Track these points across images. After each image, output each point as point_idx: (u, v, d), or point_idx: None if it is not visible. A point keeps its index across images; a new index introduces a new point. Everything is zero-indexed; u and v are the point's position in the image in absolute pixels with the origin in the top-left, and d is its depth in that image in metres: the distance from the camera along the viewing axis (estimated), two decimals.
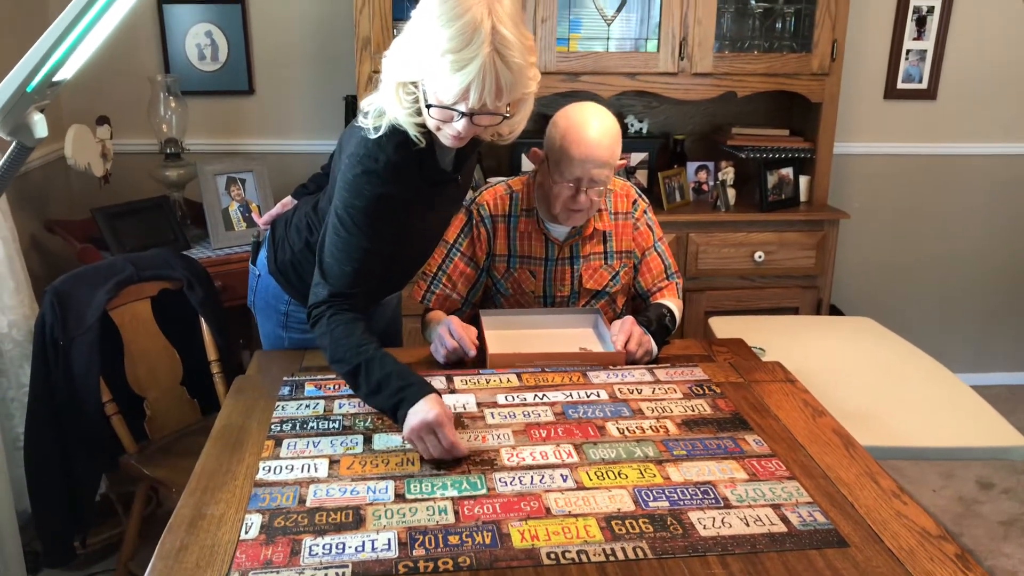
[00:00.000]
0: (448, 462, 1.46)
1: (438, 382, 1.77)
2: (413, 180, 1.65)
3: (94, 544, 2.56)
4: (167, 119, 2.97)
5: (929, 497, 3.01)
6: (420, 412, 1.46)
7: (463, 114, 1.51)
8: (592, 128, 1.92)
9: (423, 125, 1.58)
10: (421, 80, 1.52)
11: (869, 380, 2.24)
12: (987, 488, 3.08)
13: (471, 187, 3.01)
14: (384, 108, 1.59)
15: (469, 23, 1.43)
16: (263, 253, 1.97)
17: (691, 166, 3.33)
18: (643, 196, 2.16)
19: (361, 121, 1.63)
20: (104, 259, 2.52)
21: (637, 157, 3.29)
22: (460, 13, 1.44)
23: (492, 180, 2.22)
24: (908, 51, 3.49)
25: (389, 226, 1.65)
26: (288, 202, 2.02)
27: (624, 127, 3.38)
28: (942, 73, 3.52)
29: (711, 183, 3.33)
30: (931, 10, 3.43)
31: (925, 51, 3.49)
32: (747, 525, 1.29)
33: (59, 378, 2.16)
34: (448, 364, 1.86)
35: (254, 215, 2.17)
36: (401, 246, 1.76)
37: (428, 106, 1.52)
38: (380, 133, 1.59)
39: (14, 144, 1.25)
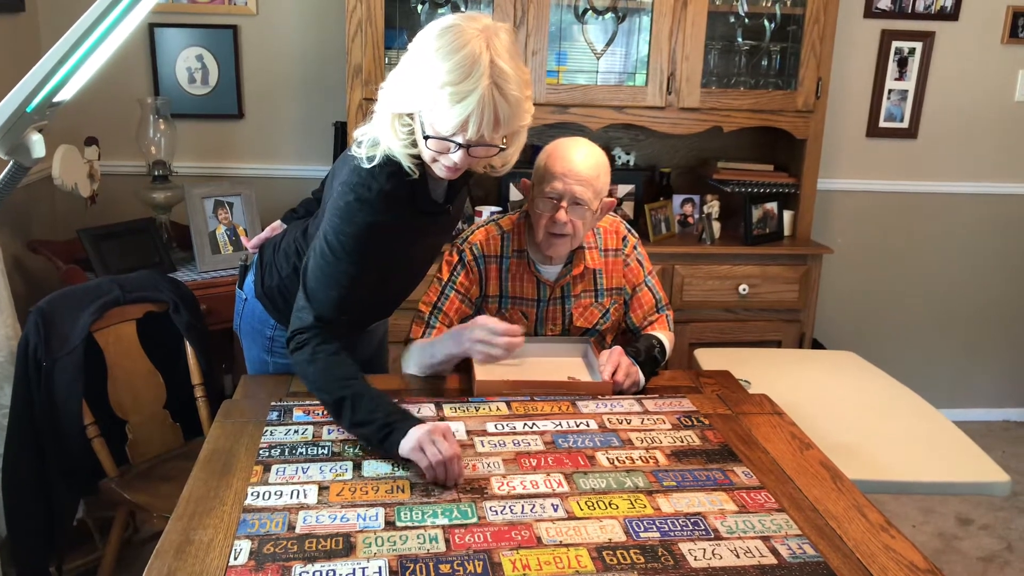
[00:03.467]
0: (440, 488, 1.46)
1: (427, 409, 1.77)
2: (405, 210, 1.66)
3: (70, 570, 2.51)
4: (156, 141, 2.97)
5: (909, 532, 3.02)
6: (419, 428, 1.49)
7: (460, 145, 1.52)
8: (578, 150, 1.94)
9: (417, 156, 1.59)
10: (418, 112, 1.54)
11: (852, 414, 2.26)
12: (966, 524, 3.10)
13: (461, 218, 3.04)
14: (378, 138, 1.60)
15: (468, 56, 1.46)
16: (250, 277, 1.97)
17: (677, 199, 3.37)
18: (632, 231, 2.16)
19: (355, 151, 1.64)
20: (89, 280, 2.50)
21: (624, 189, 3.32)
22: (459, 46, 1.46)
23: (481, 216, 2.23)
24: (890, 91, 3.56)
25: (377, 254, 1.66)
26: (277, 226, 2.02)
27: (611, 159, 3.41)
28: (923, 113, 3.59)
29: (696, 216, 3.36)
30: (912, 51, 3.51)
31: (906, 91, 3.56)
32: (737, 557, 1.29)
33: (41, 400, 2.13)
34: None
35: (242, 239, 2.17)
36: (388, 275, 1.77)
37: (426, 137, 1.54)
38: (374, 163, 1.60)
39: (11, 164, 1.25)
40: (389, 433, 1.50)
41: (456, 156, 1.54)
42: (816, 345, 3.40)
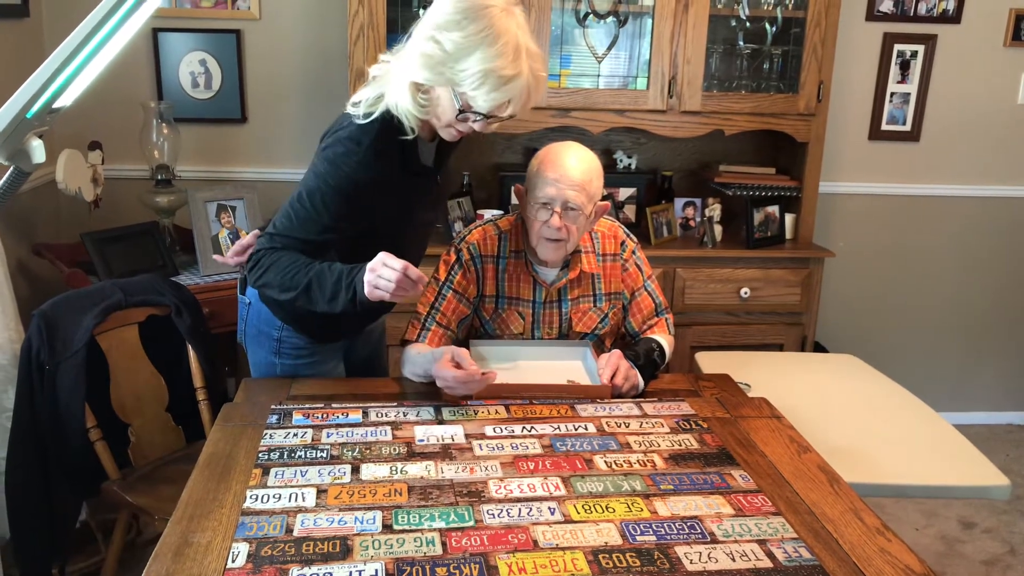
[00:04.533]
0: (437, 491, 1.46)
1: (426, 413, 1.77)
2: (392, 168, 1.71)
3: (73, 572, 2.52)
4: (159, 145, 2.99)
5: (912, 536, 3.02)
6: (364, 270, 1.59)
7: (485, 116, 1.62)
8: (570, 155, 1.95)
9: (418, 119, 1.67)
10: (454, 87, 1.60)
11: (853, 417, 2.26)
12: (969, 528, 3.10)
13: (461, 219, 3.05)
14: (383, 95, 1.67)
15: (511, 42, 1.55)
16: None
17: (679, 202, 3.37)
18: (631, 236, 2.16)
19: (350, 109, 1.70)
20: (92, 284, 2.51)
21: (625, 192, 3.33)
22: (500, 32, 1.55)
23: (483, 216, 2.24)
24: (892, 94, 3.56)
25: (355, 210, 1.71)
26: (257, 235, 2.03)
27: (613, 163, 3.42)
28: (925, 116, 3.59)
29: (698, 219, 3.36)
30: (914, 55, 3.51)
31: (909, 94, 3.56)
32: (733, 560, 1.30)
33: (44, 402, 2.15)
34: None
35: (220, 255, 2.20)
36: (367, 240, 1.75)
37: (460, 111, 1.61)
38: (370, 119, 1.66)
39: (12, 169, 1.26)
40: (354, 289, 1.60)
41: (477, 125, 1.65)
42: (818, 348, 3.39)
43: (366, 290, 1.58)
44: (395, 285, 1.55)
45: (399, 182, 1.74)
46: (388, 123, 1.67)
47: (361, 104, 1.69)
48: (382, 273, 1.56)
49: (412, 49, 1.65)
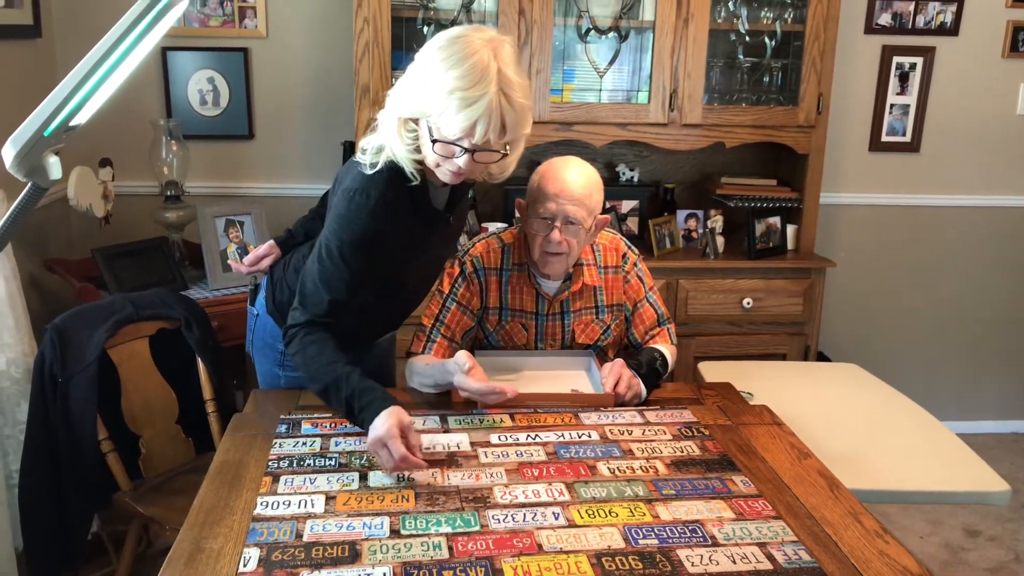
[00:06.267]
0: (444, 496, 1.49)
1: (432, 421, 1.80)
2: (405, 217, 1.72)
3: None
4: (168, 162, 3.03)
5: (916, 543, 3.03)
6: (375, 427, 1.54)
7: (465, 150, 1.59)
8: (570, 170, 1.97)
9: (421, 163, 1.66)
10: (426, 117, 1.61)
11: (855, 425, 2.28)
12: (974, 536, 3.11)
13: (466, 233, 3.09)
14: (383, 145, 1.67)
15: (477, 64, 1.54)
16: (261, 294, 2.02)
17: (681, 214, 3.41)
18: (632, 248, 2.18)
19: (359, 157, 1.71)
20: (103, 298, 2.55)
21: (628, 205, 3.36)
22: (468, 55, 1.55)
23: (487, 229, 2.28)
24: (892, 105, 3.59)
25: (375, 262, 1.72)
26: (272, 246, 2.06)
27: (615, 175, 3.46)
28: (924, 127, 3.62)
29: (700, 231, 3.39)
30: (913, 66, 3.55)
31: (908, 105, 3.60)
32: (734, 563, 1.32)
33: (56, 415, 2.18)
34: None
35: (234, 264, 2.22)
36: (387, 283, 1.81)
37: (433, 141, 1.60)
38: (376, 169, 1.66)
39: (29, 185, 1.30)
40: (363, 425, 1.59)
41: (461, 160, 1.62)
42: (821, 358, 3.42)
43: (367, 445, 1.58)
44: (391, 468, 1.54)
45: (413, 229, 1.75)
46: (395, 171, 1.67)
47: (367, 153, 1.69)
48: (380, 453, 1.54)
49: (397, 84, 1.68)
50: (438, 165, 1.65)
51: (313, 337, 1.70)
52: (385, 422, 1.54)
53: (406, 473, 1.56)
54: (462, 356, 1.82)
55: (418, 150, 1.65)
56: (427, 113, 1.60)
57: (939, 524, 3.15)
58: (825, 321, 3.53)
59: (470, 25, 1.65)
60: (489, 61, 1.55)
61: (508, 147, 1.66)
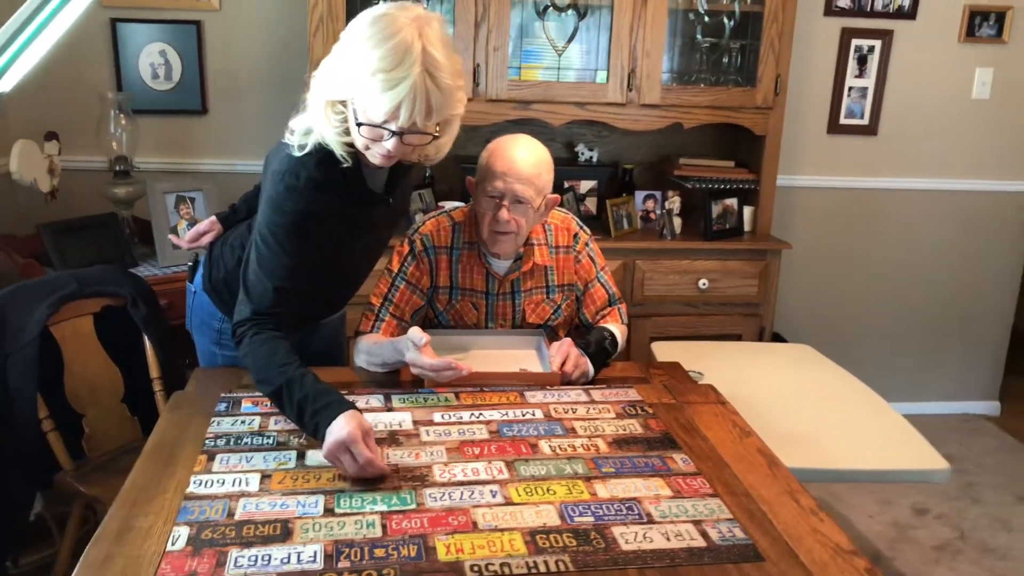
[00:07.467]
0: (373, 480, 1.47)
1: (376, 400, 1.79)
2: (338, 199, 1.68)
3: (27, 565, 2.51)
4: (117, 137, 2.97)
5: (865, 523, 3.07)
6: (334, 432, 1.46)
7: (393, 133, 1.55)
8: (519, 148, 1.95)
9: (351, 145, 1.62)
10: (351, 99, 1.56)
11: (803, 405, 2.30)
12: (922, 514, 3.16)
13: (422, 211, 3.06)
14: (312, 127, 1.62)
15: (400, 44, 1.49)
16: (200, 271, 1.99)
17: (639, 195, 3.40)
18: (584, 228, 2.17)
19: (287, 139, 1.66)
20: (48, 274, 2.50)
21: (587, 185, 3.35)
22: (391, 34, 1.49)
23: (444, 205, 2.25)
24: (850, 88, 3.61)
25: (311, 244, 1.67)
26: (214, 221, 2.03)
27: (574, 155, 3.44)
28: (882, 110, 3.64)
29: (658, 212, 3.40)
30: (871, 49, 3.56)
31: (866, 88, 3.62)
32: (668, 540, 1.33)
33: None
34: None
35: (173, 239, 2.19)
36: (327, 266, 1.77)
37: (359, 124, 1.56)
38: (305, 151, 1.62)
39: None
40: (316, 429, 1.50)
41: (389, 143, 1.57)
42: (777, 339, 3.44)
43: (323, 452, 1.48)
44: (354, 473, 1.46)
45: (349, 211, 1.71)
46: (324, 153, 1.62)
47: (296, 134, 1.64)
48: (342, 458, 1.45)
49: (322, 64, 1.63)
50: (367, 148, 1.60)
51: (263, 336, 1.63)
52: (345, 425, 1.45)
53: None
54: (416, 332, 1.78)
55: (347, 132, 1.60)
56: (351, 95, 1.55)
57: (888, 504, 3.20)
58: (781, 303, 3.55)
59: (398, 2, 1.59)
60: (413, 40, 1.49)
61: (439, 128, 1.62)
